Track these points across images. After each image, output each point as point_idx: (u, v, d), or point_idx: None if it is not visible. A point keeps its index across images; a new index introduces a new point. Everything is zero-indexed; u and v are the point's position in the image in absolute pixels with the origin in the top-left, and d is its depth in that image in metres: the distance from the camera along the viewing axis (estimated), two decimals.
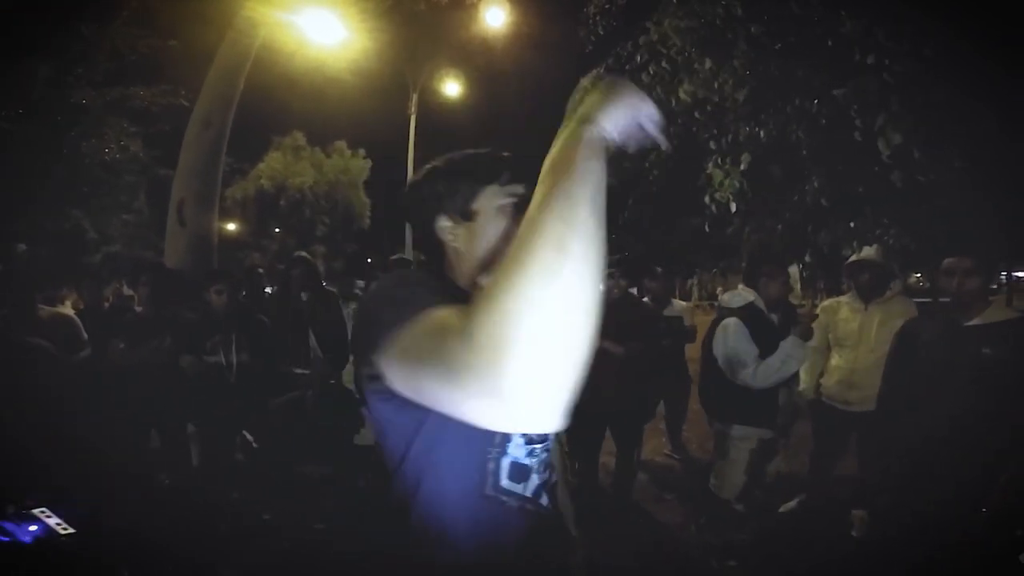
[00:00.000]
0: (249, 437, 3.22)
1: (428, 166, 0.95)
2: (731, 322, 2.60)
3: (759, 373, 2.47)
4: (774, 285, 2.58)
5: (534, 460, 0.92)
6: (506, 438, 0.88)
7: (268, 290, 4.82)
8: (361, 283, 4.31)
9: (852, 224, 3.50)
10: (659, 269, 4.01)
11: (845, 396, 2.89)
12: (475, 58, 10.61)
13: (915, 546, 2.41)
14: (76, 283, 4.55)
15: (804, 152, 3.44)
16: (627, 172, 4.62)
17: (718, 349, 2.62)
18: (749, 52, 3.39)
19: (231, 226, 20.85)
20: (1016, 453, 2.39)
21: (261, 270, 4.91)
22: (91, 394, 2.65)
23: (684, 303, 4.35)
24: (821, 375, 3.00)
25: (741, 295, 2.70)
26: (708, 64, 3.56)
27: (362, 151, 23.73)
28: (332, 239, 23.05)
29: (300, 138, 22.88)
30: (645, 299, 3.82)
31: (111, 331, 3.01)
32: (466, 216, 0.89)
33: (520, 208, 0.86)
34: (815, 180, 3.45)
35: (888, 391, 2.63)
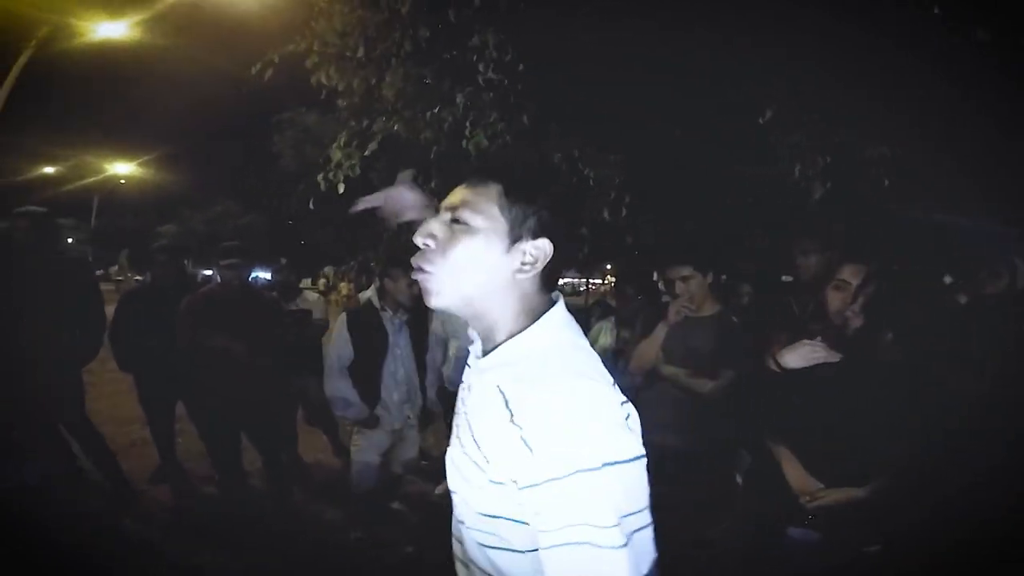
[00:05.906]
0: None
1: None
2: (341, 316, 2.73)
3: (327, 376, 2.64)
4: (395, 286, 2.62)
5: None
6: None
7: None
8: None
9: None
10: (284, 260, 3.77)
11: None
12: None
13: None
14: None
15: (432, 154, 3.58)
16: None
17: None
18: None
19: None
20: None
21: None
22: None
23: (315, 295, 4.03)
24: None
25: (368, 292, 2.79)
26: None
27: None
28: None
29: None
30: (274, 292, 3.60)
31: None
32: None
33: None
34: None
35: None
